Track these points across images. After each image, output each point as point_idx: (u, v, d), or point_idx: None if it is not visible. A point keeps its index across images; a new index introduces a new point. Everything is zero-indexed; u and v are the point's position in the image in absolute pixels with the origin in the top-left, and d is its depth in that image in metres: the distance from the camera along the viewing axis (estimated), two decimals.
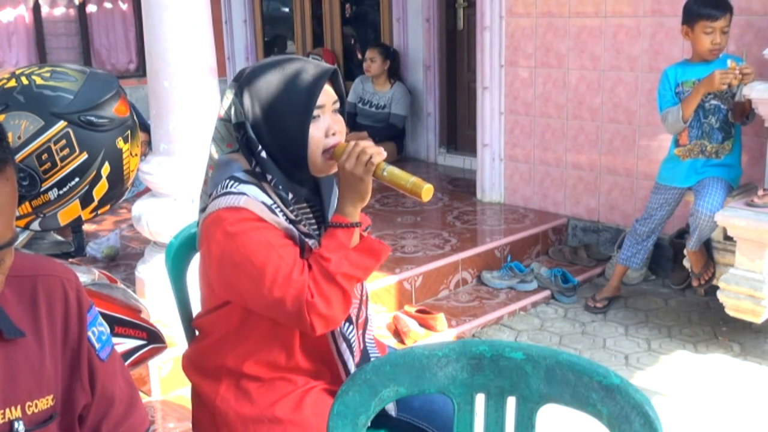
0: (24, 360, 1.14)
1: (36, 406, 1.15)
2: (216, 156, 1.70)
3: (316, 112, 1.60)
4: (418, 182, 1.57)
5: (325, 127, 1.62)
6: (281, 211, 1.59)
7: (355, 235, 1.63)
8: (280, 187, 1.60)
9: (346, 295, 1.57)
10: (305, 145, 1.60)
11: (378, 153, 1.59)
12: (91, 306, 1.26)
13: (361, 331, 1.76)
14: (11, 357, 1.13)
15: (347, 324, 1.69)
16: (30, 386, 1.15)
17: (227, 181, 1.60)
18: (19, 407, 1.13)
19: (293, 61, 1.65)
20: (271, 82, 1.61)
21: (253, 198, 1.57)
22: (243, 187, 1.58)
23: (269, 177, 1.61)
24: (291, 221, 1.60)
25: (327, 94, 1.63)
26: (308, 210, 1.70)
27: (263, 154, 1.60)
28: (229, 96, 1.67)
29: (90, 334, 1.24)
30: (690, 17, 3.32)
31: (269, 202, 1.59)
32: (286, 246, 1.57)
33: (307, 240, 1.61)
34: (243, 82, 1.64)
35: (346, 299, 1.57)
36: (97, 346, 1.25)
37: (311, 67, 1.63)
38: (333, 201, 1.73)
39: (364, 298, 1.80)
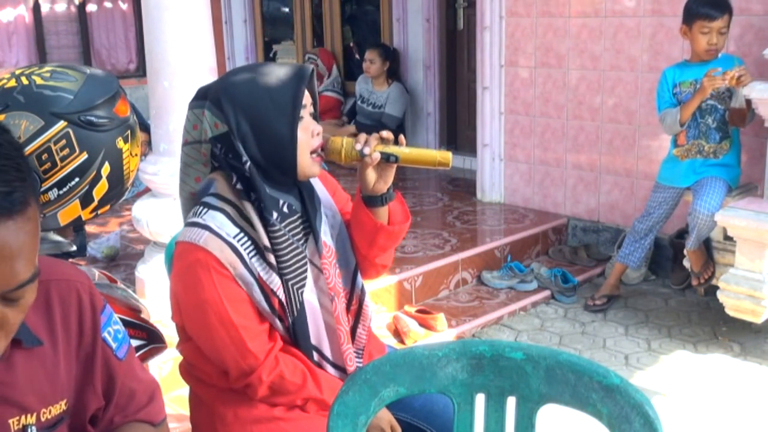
0: (40, 367, 1.14)
1: (50, 412, 1.15)
2: (186, 182, 1.70)
3: (300, 113, 1.59)
4: (443, 153, 1.61)
5: (310, 128, 1.61)
6: (247, 241, 1.57)
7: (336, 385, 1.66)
8: (263, 204, 1.57)
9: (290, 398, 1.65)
10: (295, 148, 1.57)
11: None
12: (105, 306, 1.25)
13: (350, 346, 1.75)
14: (30, 365, 1.13)
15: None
16: (46, 393, 1.15)
17: (198, 207, 1.61)
18: (34, 415, 1.13)
19: (266, 65, 1.65)
20: (251, 88, 1.57)
21: (216, 230, 1.55)
22: (210, 216, 1.57)
23: (252, 195, 1.57)
24: (260, 252, 1.58)
25: (305, 95, 1.62)
26: (298, 223, 1.65)
27: (248, 165, 1.56)
28: (192, 117, 1.64)
29: (105, 334, 1.23)
30: (688, 17, 3.33)
31: (234, 232, 1.56)
32: (241, 303, 1.56)
33: (267, 284, 1.58)
34: (218, 93, 1.59)
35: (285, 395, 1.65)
36: (114, 345, 1.24)
37: (288, 68, 1.62)
38: (319, 210, 1.70)
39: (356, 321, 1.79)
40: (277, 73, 1.60)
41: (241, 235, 1.57)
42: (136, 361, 1.32)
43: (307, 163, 1.61)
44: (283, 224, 1.61)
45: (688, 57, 3.49)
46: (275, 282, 1.59)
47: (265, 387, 1.60)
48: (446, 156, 1.60)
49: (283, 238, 1.59)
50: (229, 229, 1.56)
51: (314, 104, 1.66)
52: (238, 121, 1.56)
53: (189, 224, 1.60)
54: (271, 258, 1.58)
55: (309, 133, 1.60)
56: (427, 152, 1.63)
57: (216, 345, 1.58)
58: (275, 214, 1.58)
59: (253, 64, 1.68)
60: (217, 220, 1.57)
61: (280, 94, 1.57)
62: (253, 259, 1.57)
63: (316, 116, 1.67)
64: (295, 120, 1.57)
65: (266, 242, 1.57)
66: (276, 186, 1.61)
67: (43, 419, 1.14)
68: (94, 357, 1.21)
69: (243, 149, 1.56)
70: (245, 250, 1.57)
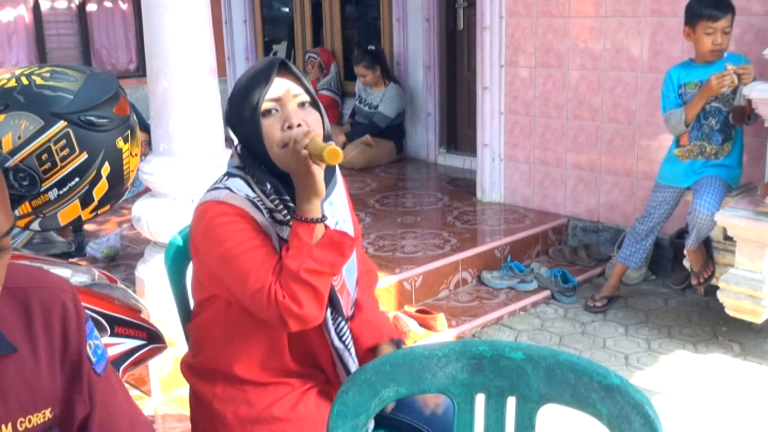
0: (17, 375, 1.11)
1: (29, 421, 1.12)
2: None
3: (271, 105, 1.59)
4: (329, 150, 1.48)
5: (281, 120, 1.59)
6: (263, 204, 1.60)
7: (318, 230, 1.57)
8: (255, 179, 1.61)
9: (317, 291, 1.54)
10: (261, 140, 1.59)
11: (305, 135, 1.53)
12: (88, 319, 1.23)
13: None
14: (3, 373, 1.10)
15: (341, 320, 1.68)
16: (24, 402, 1.12)
17: (221, 176, 1.67)
18: (10, 425, 1.10)
19: (265, 59, 1.68)
20: (240, 81, 1.65)
21: (236, 191, 1.59)
22: (230, 181, 1.62)
23: (247, 170, 1.63)
24: (271, 212, 1.60)
25: (282, 86, 1.60)
26: (290, 204, 1.64)
27: (238, 148, 1.65)
28: None
29: (86, 347, 1.21)
30: (691, 18, 3.32)
31: (252, 195, 1.60)
32: (264, 245, 1.57)
33: (283, 236, 1.60)
34: None
35: (318, 296, 1.54)
36: (93, 359, 1.21)
37: (267, 62, 1.64)
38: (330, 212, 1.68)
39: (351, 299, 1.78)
40: (259, 66, 1.65)
41: (258, 199, 1.60)
42: (114, 381, 1.28)
43: (280, 155, 1.59)
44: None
45: (691, 56, 3.48)
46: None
47: (281, 292, 1.53)
48: (332, 152, 1.47)
49: (283, 204, 1.61)
50: (248, 192, 1.60)
51: (311, 97, 1.64)
52: (230, 107, 1.65)
53: (210, 189, 1.64)
54: (278, 216, 1.60)
55: (279, 125, 1.59)
56: (320, 146, 1.50)
57: (243, 282, 1.54)
58: (269, 185, 1.60)
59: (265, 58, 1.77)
60: (237, 184, 1.62)
61: (249, 86, 1.61)
62: (269, 218, 1.60)
63: (319, 110, 1.65)
64: (256, 112, 1.58)
65: (269, 204, 1.60)
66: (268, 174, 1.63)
67: (21, 428, 1.11)
68: (81, 365, 1.19)
69: (231, 131, 1.65)
70: (263, 208, 1.60)
